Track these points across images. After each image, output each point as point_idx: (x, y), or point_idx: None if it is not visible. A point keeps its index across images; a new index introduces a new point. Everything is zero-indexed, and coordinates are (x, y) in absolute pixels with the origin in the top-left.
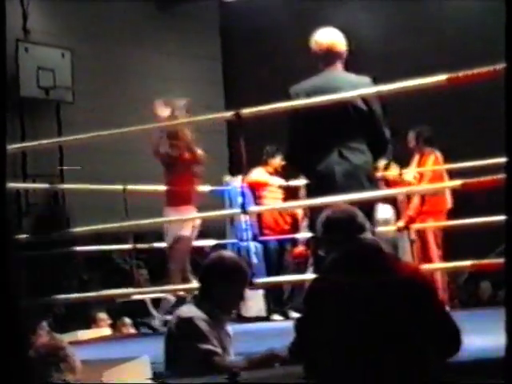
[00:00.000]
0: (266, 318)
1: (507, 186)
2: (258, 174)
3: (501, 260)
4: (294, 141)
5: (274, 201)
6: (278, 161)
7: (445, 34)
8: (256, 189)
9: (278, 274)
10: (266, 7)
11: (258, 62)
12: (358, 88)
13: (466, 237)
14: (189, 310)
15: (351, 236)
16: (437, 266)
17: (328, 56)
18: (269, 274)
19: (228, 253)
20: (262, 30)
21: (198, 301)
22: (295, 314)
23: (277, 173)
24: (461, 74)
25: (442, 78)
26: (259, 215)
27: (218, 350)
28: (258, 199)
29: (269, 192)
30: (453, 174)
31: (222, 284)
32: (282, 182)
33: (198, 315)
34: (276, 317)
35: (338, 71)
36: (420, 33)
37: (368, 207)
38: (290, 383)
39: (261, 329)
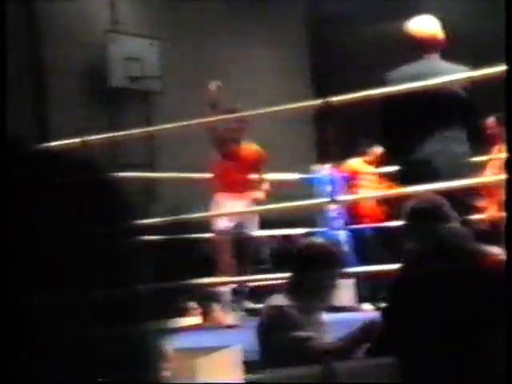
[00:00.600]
0: (356, 308)
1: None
2: (356, 162)
3: None
4: (391, 129)
5: (369, 189)
6: (375, 152)
7: None
8: (351, 177)
9: (372, 262)
10: None
11: (346, 49)
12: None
13: None
14: (280, 299)
15: (436, 225)
16: None
17: (428, 44)
18: (362, 263)
19: (319, 239)
20: (350, 16)
21: (289, 289)
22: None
23: (375, 164)
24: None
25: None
26: (354, 203)
27: (310, 336)
28: (353, 187)
29: (365, 181)
30: None
31: (313, 271)
32: (378, 170)
33: (289, 303)
34: (366, 306)
35: (436, 59)
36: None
37: (466, 197)
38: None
39: (350, 319)
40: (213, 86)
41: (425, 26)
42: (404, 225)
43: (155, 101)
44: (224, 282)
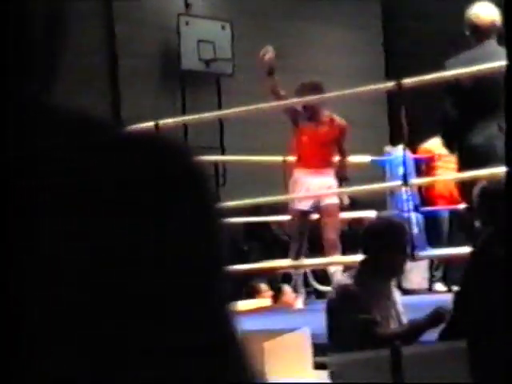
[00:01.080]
0: (429, 289)
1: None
2: (434, 143)
3: None
4: (451, 115)
5: (447, 171)
6: None
7: None
8: (427, 158)
9: (447, 244)
10: None
11: (420, 32)
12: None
13: None
14: (348, 280)
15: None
16: None
17: (488, 30)
18: (436, 245)
19: (388, 218)
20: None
21: (359, 270)
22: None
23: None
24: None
25: None
26: (429, 186)
27: (378, 319)
28: (430, 170)
29: (443, 162)
30: None
31: (382, 249)
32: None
33: (357, 283)
34: (438, 287)
35: (494, 45)
36: None
37: None
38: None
39: (422, 301)
40: (267, 50)
41: (485, 12)
42: (476, 207)
43: (226, 84)
44: (297, 266)
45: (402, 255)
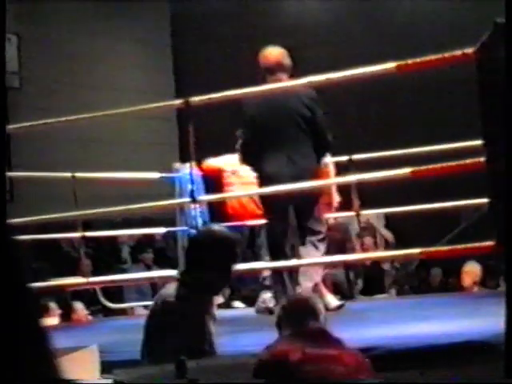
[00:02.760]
0: (227, 305)
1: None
2: (227, 160)
3: (450, 247)
4: (247, 142)
5: (242, 187)
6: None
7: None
8: (216, 175)
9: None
10: None
11: (208, 48)
12: (302, 98)
13: (417, 223)
14: (170, 291)
15: None
16: (388, 254)
17: (275, 68)
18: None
19: (211, 231)
20: (213, 15)
21: (180, 283)
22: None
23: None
24: (410, 61)
25: (391, 65)
26: (219, 202)
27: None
28: (222, 186)
29: (236, 177)
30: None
31: (202, 263)
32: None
33: (178, 297)
34: (237, 304)
35: (285, 79)
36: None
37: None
38: None
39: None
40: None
41: (269, 53)
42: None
43: (13, 97)
44: (85, 283)
45: (224, 270)
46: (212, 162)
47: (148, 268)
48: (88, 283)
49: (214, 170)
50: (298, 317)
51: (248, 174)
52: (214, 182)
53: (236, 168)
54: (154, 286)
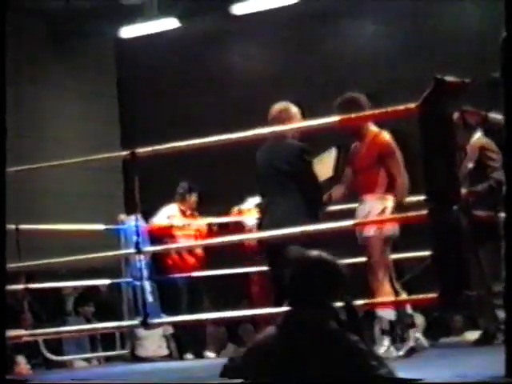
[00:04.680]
0: (180, 357)
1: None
2: (170, 211)
3: (394, 299)
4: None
5: (186, 238)
6: (193, 198)
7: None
8: (166, 232)
9: (188, 311)
10: (161, 45)
11: (155, 100)
12: (283, 153)
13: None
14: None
15: None
16: None
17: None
18: (173, 312)
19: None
20: (159, 67)
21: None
22: (210, 354)
23: (192, 209)
24: (353, 115)
25: (334, 119)
26: (162, 254)
27: None
28: (170, 239)
29: (180, 230)
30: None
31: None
32: (187, 221)
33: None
34: (189, 356)
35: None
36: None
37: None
38: None
39: (154, 369)
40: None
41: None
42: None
43: None
44: (27, 335)
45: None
46: (158, 221)
47: (88, 321)
48: (30, 335)
49: (164, 229)
50: None
51: (190, 226)
52: (157, 234)
53: (178, 219)
54: (93, 339)
